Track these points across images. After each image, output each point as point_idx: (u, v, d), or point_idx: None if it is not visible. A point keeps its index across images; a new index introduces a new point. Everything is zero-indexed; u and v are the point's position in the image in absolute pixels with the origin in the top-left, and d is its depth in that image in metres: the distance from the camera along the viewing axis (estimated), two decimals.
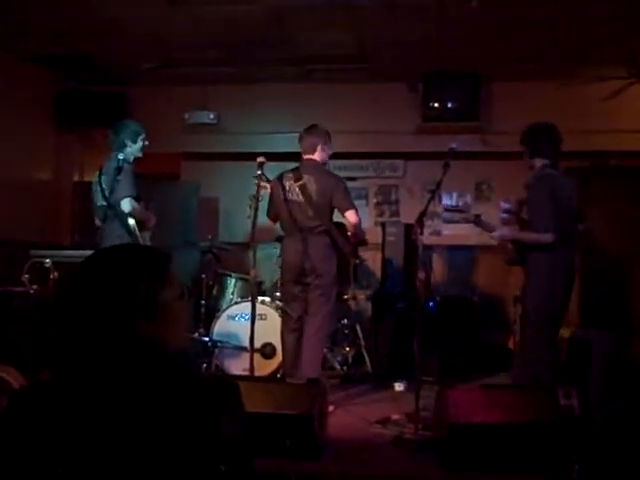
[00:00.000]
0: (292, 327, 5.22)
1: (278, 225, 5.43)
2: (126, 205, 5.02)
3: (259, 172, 4.77)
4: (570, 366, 5.25)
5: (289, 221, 5.15)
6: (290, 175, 5.20)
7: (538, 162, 4.83)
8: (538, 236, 4.66)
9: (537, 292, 4.70)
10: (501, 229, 4.93)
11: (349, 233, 5.31)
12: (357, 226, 5.23)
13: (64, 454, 1.44)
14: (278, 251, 6.46)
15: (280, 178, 5.25)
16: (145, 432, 1.45)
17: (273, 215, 5.36)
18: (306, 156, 5.27)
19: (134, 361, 1.53)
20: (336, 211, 5.24)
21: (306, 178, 5.13)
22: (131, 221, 5.08)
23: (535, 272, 4.74)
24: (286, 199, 5.13)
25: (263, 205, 5.16)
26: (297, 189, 5.12)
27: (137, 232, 5.08)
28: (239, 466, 1.54)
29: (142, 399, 1.48)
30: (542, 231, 4.63)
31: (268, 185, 5.23)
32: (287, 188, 5.16)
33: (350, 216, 5.16)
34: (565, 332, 5.56)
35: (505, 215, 6.16)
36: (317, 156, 5.26)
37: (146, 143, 5.36)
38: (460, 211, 6.97)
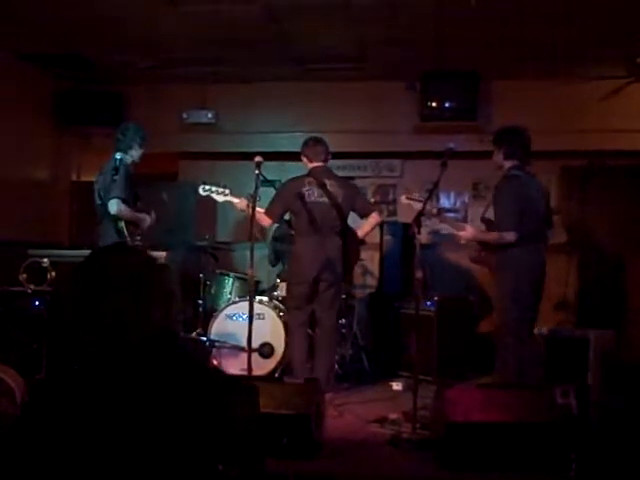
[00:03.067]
0: (301, 321, 5.34)
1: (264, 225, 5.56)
2: (112, 206, 5.05)
3: (257, 172, 4.78)
4: (568, 365, 5.26)
5: (310, 221, 5.27)
6: (310, 179, 5.35)
7: (508, 163, 4.90)
8: (500, 235, 4.73)
9: (504, 290, 4.74)
10: (467, 229, 4.94)
11: (360, 233, 5.56)
12: (378, 225, 5.75)
13: (85, 445, 1.46)
14: (266, 251, 6.54)
15: (297, 181, 5.39)
16: (163, 428, 1.47)
17: (278, 215, 5.40)
18: (318, 163, 5.44)
19: (156, 357, 1.54)
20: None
21: (329, 182, 5.36)
22: (120, 222, 5.09)
23: (501, 271, 4.79)
24: (309, 201, 5.27)
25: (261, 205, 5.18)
26: (321, 191, 5.30)
27: (125, 233, 5.10)
28: (252, 464, 1.56)
29: (162, 395, 1.50)
30: (504, 230, 4.68)
31: (227, 192, 5.34)
32: (311, 191, 5.31)
33: (375, 217, 5.53)
34: (564, 331, 5.58)
35: (450, 214, 6.23)
36: (327, 163, 5.51)
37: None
38: (452, 211, 7.00)
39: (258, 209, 5.14)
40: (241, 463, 1.53)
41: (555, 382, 4.17)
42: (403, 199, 5.30)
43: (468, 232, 4.91)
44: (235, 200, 5.32)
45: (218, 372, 1.64)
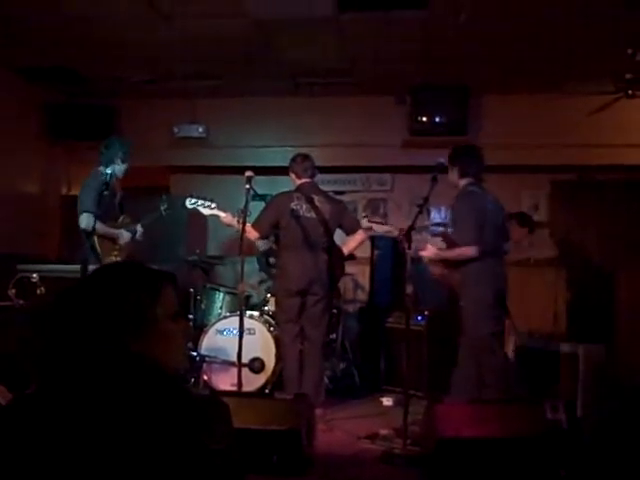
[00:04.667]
0: (294, 334, 5.37)
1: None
2: (82, 221, 5.04)
3: (247, 186, 4.79)
4: (558, 380, 5.27)
5: (300, 237, 5.31)
6: (298, 194, 5.42)
7: (463, 181, 4.96)
8: (462, 250, 4.78)
9: (472, 306, 4.76)
10: (428, 248, 4.95)
11: (345, 250, 5.59)
12: (364, 242, 5.78)
13: (48, 470, 1.42)
14: (257, 265, 6.55)
15: (286, 196, 5.44)
16: (132, 448, 1.44)
17: (266, 230, 5.41)
18: (306, 179, 5.50)
19: (122, 377, 1.52)
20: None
21: (316, 198, 5.43)
22: (92, 238, 5.07)
23: (466, 286, 4.82)
24: (299, 215, 5.32)
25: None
26: (309, 207, 5.37)
27: (98, 250, 5.09)
28: None
29: (130, 415, 1.47)
30: (465, 245, 4.73)
31: (213, 205, 5.34)
32: (299, 206, 5.36)
33: (362, 233, 5.54)
34: (553, 346, 5.58)
35: (435, 228, 6.26)
36: (314, 179, 5.59)
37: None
38: (442, 225, 7.02)
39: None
40: None
41: (544, 397, 4.17)
42: (364, 222, 5.35)
43: (429, 251, 4.92)
44: (222, 214, 5.33)
45: (187, 391, 1.62)
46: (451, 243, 4.97)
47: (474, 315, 4.74)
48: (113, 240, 5.26)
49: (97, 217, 5.08)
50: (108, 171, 5.24)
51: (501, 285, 4.86)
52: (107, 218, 5.20)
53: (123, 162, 5.39)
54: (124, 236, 5.36)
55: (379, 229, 5.04)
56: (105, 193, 5.15)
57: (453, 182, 5.01)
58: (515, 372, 5.16)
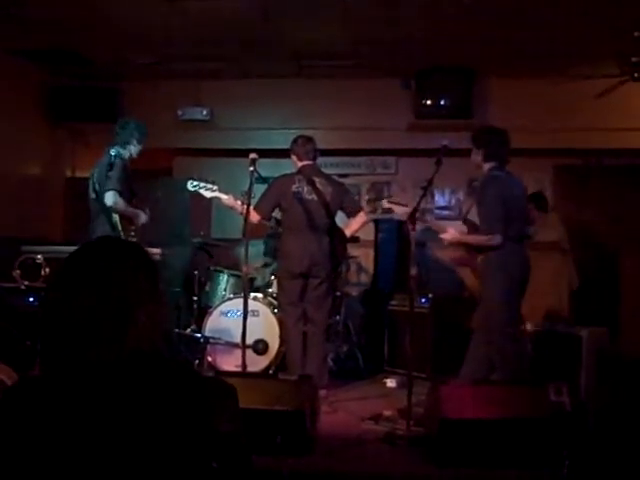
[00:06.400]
0: (297, 317, 5.39)
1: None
2: (109, 199, 5.03)
3: (251, 168, 4.79)
4: (561, 362, 5.28)
5: (302, 219, 5.32)
6: (299, 177, 5.41)
7: (488, 164, 4.86)
8: (486, 239, 4.69)
9: (495, 292, 4.69)
10: (449, 231, 4.90)
11: (347, 232, 5.60)
12: (366, 224, 5.77)
13: (57, 450, 1.43)
14: (263, 248, 6.56)
15: (287, 178, 5.43)
16: (141, 430, 1.44)
17: (267, 211, 5.40)
18: (307, 161, 5.49)
19: (129, 360, 1.52)
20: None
21: (318, 180, 5.42)
22: (115, 216, 5.09)
23: (490, 272, 4.74)
24: (300, 198, 5.32)
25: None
26: (310, 189, 5.36)
27: (119, 227, 5.10)
28: (237, 466, 1.55)
29: (138, 398, 1.47)
30: (490, 233, 4.67)
31: (215, 187, 5.34)
32: (300, 188, 5.36)
33: (363, 216, 5.60)
34: (558, 328, 5.59)
35: (439, 211, 6.23)
36: (316, 162, 5.58)
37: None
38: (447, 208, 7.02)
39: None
40: (228, 464, 1.52)
41: (549, 379, 4.17)
42: (384, 203, 5.31)
43: (451, 234, 4.87)
44: (223, 196, 5.33)
45: (196, 375, 1.62)
46: (473, 227, 4.93)
47: (499, 301, 4.68)
48: (130, 220, 5.26)
49: (121, 195, 5.10)
50: (126, 152, 5.26)
51: (526, 272, 4.78)
52: (125, 197, 5.21)
53: (139, 143, 5.38)
54: (142, 217, 5.37)
55: (399, 210, 4.99)
56: (124, 174, 5.16)
57: (476, 164, 4.92)
58: (527, 361, 5.10)
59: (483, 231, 4.74)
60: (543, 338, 5.54)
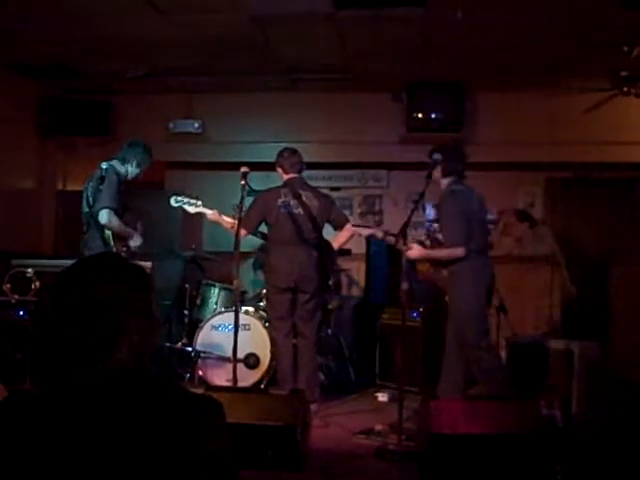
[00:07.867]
0: (286, 331, 5.36)
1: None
2: (103, 217, 5.00)
3: (242, 182, 4.79)
4: (553, 376, 5.28)
5: (288, 233, 5.30)
6: (285, 190, 5.38)
7: (446, 180, 4.93)
8: (450, 251, 4.78)
9: (464, 306, 4.77)
10: (414, 248, 4.92)
11: (335, 245, 5.55)
12: (354, 236, 5.66)
13: (46, 466, 1.42)
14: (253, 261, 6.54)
15: (273, 192, 5.40)
16: (128, 449, 1.44)
17: (253, 226, 5.38)
18: (293, 174, 5.47)
19: (120, 375, 1.51)
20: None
21: (304, 194, 5.38)
22: (107, 232, 5.06)
23: (457, 286, 4.82)
24: (287, 212, 5.30)
25: None
26: (297, 202, 5.33)
27: (112, 243, 5.07)
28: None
29: (126, 416, 1.47)
30: (453, 246, 4.75)
31: (198, 203, 5.35)
32: (286, 202, 5.33)
33: (350, 228, 5.52)
34: (553, 343, 5.60)
35: (430, 225, 6.25)
36: (302, 174, 5.54)
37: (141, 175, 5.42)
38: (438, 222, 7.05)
39: (229, 220, 5.20)
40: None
41: (541, 394, 4.18)
42: (348, 227, 5.44)
43: (415, 251, 4.91)
44: (208, 211, 5.33)
45: (182, 392, 1.61)
46: (436, 242, 4.99)
47: (469, 313, 4.74)
48: (124, 238, 5.22)
49: (116, 213, 5.07)
50: (122, 168, 5.22)
51: (490, 283, 4.89)
52: (118, 215, 5.17)
53: (138, 166, 5.33)
54: (136, 240, 5.30)
55: (363, 232, 5.07)
56: (117, 189, 5.12)
57: (436, 180, 4.96)
58: (506, 370, 5.16)
59: (446, 245, 4.80)
60: (533, 351, 5.56)
